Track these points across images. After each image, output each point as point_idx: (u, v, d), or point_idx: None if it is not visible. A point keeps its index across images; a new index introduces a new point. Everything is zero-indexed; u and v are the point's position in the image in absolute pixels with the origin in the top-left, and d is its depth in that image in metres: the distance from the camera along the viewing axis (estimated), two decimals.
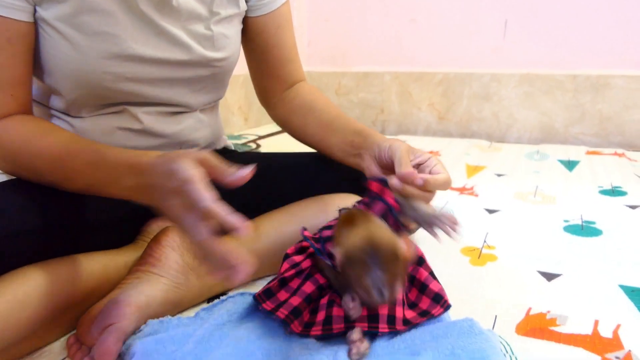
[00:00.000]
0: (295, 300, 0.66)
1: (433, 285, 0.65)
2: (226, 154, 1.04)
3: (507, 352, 0.64)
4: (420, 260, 0.68)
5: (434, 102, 2.17)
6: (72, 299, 0.70)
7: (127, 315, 0.67)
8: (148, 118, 0.85)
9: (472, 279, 0.85)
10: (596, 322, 0.71)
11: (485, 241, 1.01)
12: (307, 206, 0.89)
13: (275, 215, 0.88)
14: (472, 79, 2.10)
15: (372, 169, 0.78)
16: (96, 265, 0.75)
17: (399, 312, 0.63)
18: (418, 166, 0.72)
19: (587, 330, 0.69)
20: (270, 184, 0.94)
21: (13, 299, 0.62)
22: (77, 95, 0.79)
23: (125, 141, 0.86)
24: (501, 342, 0.66)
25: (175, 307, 0.75)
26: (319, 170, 0.95)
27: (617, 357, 0.63)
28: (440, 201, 1.25)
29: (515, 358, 0.62)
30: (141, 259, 0.76)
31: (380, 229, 0.58)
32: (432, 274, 0.68)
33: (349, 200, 0.90)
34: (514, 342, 0.66)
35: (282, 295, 0.68)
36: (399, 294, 0.56)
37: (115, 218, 0.83)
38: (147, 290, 0.72)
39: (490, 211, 1.19)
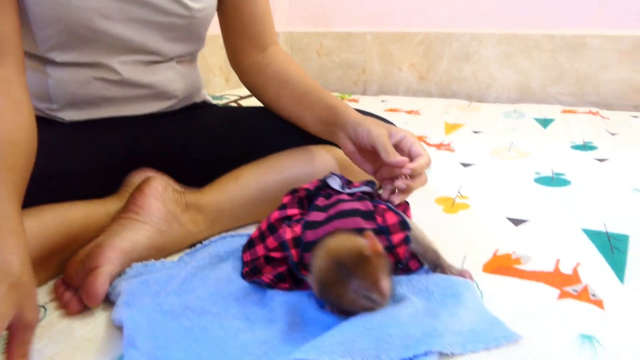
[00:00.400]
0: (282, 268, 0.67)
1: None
2: (205, 107, 1.06)
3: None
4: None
5: (415, 63, 2.18)
6: (55, 245, 0.72)
7: (113, 259, 0.70)
8: (124, 68, 0.86)
9: (444, 225, 0.89)
10: (557, 261, 0.75)
11: (459, 192, 1.05)
12: (288, 157, 0.91)
13: (256, 166, 0.90)
14: (452, 38, 2.11)
15: (348, 147, 0.81)
16: (78, 213, 0.77)
17: None
18: (395, 147, 0.75)
19: (549, 267, 0.74)
20: (251, 136, 0.96)
21: None
22: (52, 31, 0.79)
23: (104, 91, 0.87)
24: None
25: (159, 252, 0.78)
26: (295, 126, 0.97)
27: (574, 290, 0.68)
28: None
29: (481, 293, 0.66)
30: (124, 208, 0.79)
31: (337, 240, 0.57)
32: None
33: (329, 152, 0.93)
34: (480, 279, 0.71)
35: (268, 270, 0.69)
36: (388, 288, 0.57)
37: (97, 168, 0.84)
38: (131, 236, 0.74)
39: (466, 165, 1.23)
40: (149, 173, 0.88)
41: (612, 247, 0.80)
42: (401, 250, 0.63)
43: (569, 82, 1.98)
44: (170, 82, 0.93)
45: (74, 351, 0.59)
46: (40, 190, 0.74)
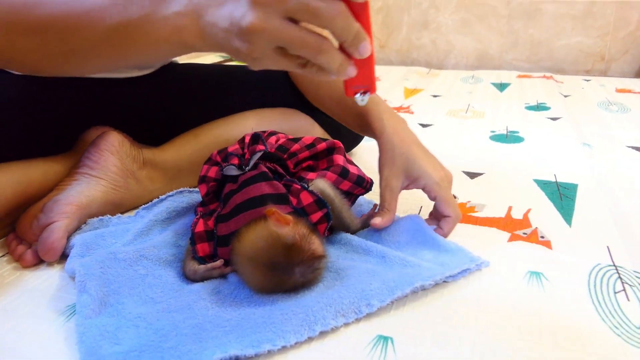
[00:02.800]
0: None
1: (352, 170, 0.69)
2: (171, 68, 1.01)
3: None
4: (331, 149, 0.70)
5: (374, 31, 2.18)
6: (11, 205, 0.69)
7: (69, 214, 0.68)
8: None
9: None
10: (510, 208, 0.78)
11: None
12: (252, 116, 0.90)
13: (216, 124, 0.88)
14: (410, 5, 2.11)
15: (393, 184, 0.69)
16: (36, 172, 0.74)
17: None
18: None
19: (501, 214, 0.76)
20: (216, 95, 0.94)
21: None
22: None
23: None
24: None
25: (116, 208, 0.76)
26: (272, 87, 0.95)
27: (524, 233, 0.70)
28: None
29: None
30: (79, 163, 0.76)
31: (253, 243, 0.54)
32: (347, 159, 0.70)
33: (290, 115, 0.92)
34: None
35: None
36: (321, 244, 0.56)
37: (55, 124, 0.81)
38: (86, 191, 0.72)
39: (424, 125, 1.24)
40: (108, 129, 0.86)
41: (561, 195, 0.83)
42: (321, 228, 0.61)
43: (524, 48, 2.02)
44: None
45: (27, 301, 0.57)
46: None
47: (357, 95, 0.52)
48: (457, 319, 0.53)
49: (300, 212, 0.60)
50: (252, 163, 0.64)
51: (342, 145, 0.71)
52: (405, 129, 0.73)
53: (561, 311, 0.54)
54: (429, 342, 0.49)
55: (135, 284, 0.57)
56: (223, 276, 0.59)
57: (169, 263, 0.62)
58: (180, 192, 0.77)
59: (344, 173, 0.68)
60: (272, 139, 0.69)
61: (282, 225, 0.54)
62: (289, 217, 0.55)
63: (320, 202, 0.61)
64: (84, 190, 0.72)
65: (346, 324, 0.52)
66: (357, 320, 0.52)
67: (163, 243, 0.64)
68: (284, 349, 0.48)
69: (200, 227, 0.61)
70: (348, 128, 0.86)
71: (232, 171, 0.64)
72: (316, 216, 0.61)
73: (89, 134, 0.85)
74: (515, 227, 0.72)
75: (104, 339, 0.48)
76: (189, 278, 0.59)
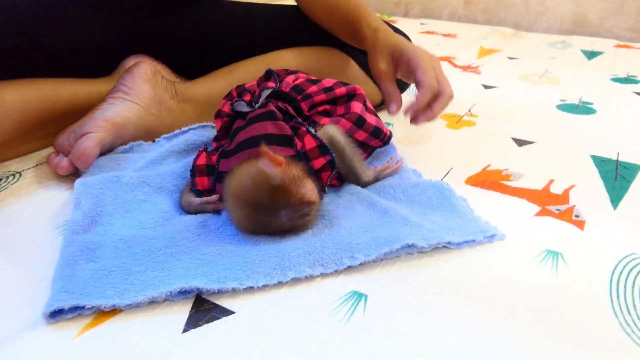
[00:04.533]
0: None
1: (370, 119, 0.64)
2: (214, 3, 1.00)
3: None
4: (351, 96, 0.66)
5: None
6: (37, 119, 0.72)
7: (104, 128, 0.69)
8: None
9: (439, 139, 0.84)
10: (550, 181, 0.70)
11: (469, 110, 0.98)
12: (286, 54, 0.87)
13: (252, 61, 0.86)
14: None
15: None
16: (66, 90, 0.76)
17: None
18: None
19: (538, 186, 0.68)
20: (252, 31, 0.91)
21: None
22: None
23: None
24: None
25: (148, 134, 0.77)
26: (303, 22, 0.91)
27: (557, 209, 0.63)
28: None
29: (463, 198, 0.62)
30: (113, 89, 0.77)
31: (239, 180, 0.52)
32: (366, 107, 0.66)
33: (327, 53, 0.88)
34: (457, 188, 0.66)
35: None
36: (313, 190, 0.53)
37: (94, 47, 0.82)
38: (122, 112, 0.73)
39: (487, 87, 1.14)
40: (143, 59, 0.86)
41: (617, 174, 0.73)
42: (324, 175, 0.58)
43: (629, 15, 1.79)
44: None
45: (33, 212, 0.60)
46: (31, 62, 0.73)
47: None
48: (445, 288, 0.48)
49: (302, 156, 0.57)
50: (261, 100, 0.61)
51: (363, 92, 0.66)
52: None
53: (569, 298, 0.47)
54: (404, 307, 0.46)
55: (131, 208, 0.58)
56: (217, 212, 0.58)
57: (170, 193, 0.61)
58: (204, 126, 0.76)
59: (360, 122, 0.63)
60: (290, 78, 0.66)
61: (273, 166, 0.52)
62: (281, 158, 0.52)
63: (323, 147, 0.57)
64: (119, 110, 0.73)
65: (324, 275, 0.49)
66: (337, 272, 0.49)
67: (169, 173, 0.64)
68: (250, 289, 0.47)
69: (202, 160, 0.60)
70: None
71: (242, 107, 0.62)
72: (319, 162, 0.57)
73: (127, 61, 0.86)
74: (549, 201, 0.64)
75: (82, 255, 0.49)
76: (184, 209, 0.59)
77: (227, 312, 0.44)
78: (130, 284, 0.45)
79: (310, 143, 0.57)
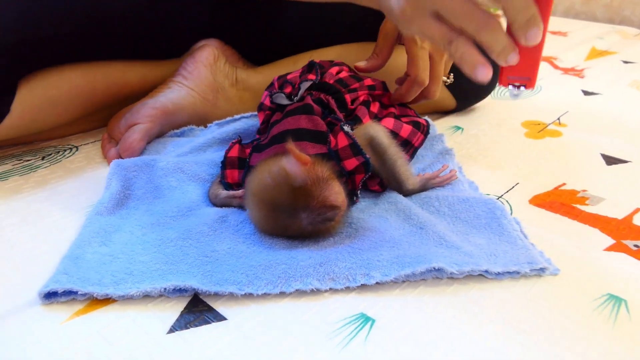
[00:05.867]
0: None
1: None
2: None
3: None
4: (385, 86, 0.63)
5: None
6: (102, 102, 0.74)
7: (152, 117, 0.70)
8: None
9: (513, 148, 0.75)
10: (636, 211, 0.59)
11: (558, 119, 0.87)
12: (353, 47, 0.83)
13: (318, 52, 0.83)
14: None
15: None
16: (134, 73, 0.77)
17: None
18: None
19: (619, 215, 0.58)
20: (325, 22, 0.88)
21: (44, 95, 0.66)
22: None
23: None
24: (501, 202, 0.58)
25: (202, 121, 0.76)
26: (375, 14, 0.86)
27: (635, 246, 0.52)
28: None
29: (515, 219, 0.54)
30: (175, 72, 0.78)
31: (260, 178, 0.48)
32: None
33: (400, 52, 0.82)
34: (518, 208, 0.58)
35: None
36: (340, 193, 0.49)
37: (167, 32, 0.83)
38: (175, 99, 0.74)
39: (587, 93, 1.01)
40: (214, 43, 0.86)
41: None
42: (357, 178, 0.53)
43: None
44: None
45: (76, 187, 0.61)
46: (100, 46, 0.74)
47: (511, 87, 0.48)
48: (469, 323, 0.42)
49: (333, 155, 0.52)
50: (300, 93, 0.57)
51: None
52: None
53: (624, 357, 0.39)
54: (413, 339, 0.40)
55: (160, 194, 0.57)
56: (242, 207, 0.55)
57: (204, 182, 0.60)
58: (256, 115, 0.74)
59: (400, 119, 0.58)
60: (334, 70, 0.62)
61: (297, 164, 0.48)
62: (306, 156, 0.48)
63: (356, 147, 0.52)
64: (173, 97, 0.74)
65: (333, 291, 0.44)
66: (348, 289, 0.45)
67: (208, 161, 0.63)
68: (249, 296, 0.43)
69: (234, 152, 0.57)
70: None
71: (281, 99, 0.58)
72: (351, 163, 0.52)
73: (198, 44, 0.85)
74: (627, 234, 0.54)
75: (97, 237, 0.49)
76: (211, 201, 0.57)
77: (220, 318, 0.42)
78: (129, 274, 0.44)
79: (342, 141, 0.52)
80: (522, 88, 0.48)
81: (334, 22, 0.85)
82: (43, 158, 0.68)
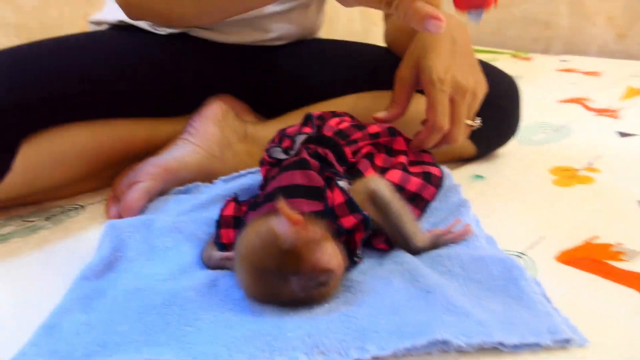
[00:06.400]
0: None
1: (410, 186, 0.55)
2: (309, 42, 0.96)
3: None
4: (392, 131, 0.58)
5: (613, 16, 1.77)
6: (109, 159, 0.73)
7: (154, 176, 0.69)
8: None
9: (540, 197, 0.69)
10: None
11: (590, 163, 0.80)
12: (366, 97, 0.80)
13: (327, 104, 0.81)
14: None
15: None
16: (142, 131, 0.76)
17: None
18: None
19: None
20: (335, 73, 0.86)
21: (47, 152, 0.66)
22: None
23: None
24: (520, 259, 0.53)
25: (207, 177, 0.74)
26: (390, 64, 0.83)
27: None
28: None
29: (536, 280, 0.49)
30: (183, 129, 0.77)
31: (248, 240, 0.45)
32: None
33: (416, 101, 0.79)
34: (543, 266, 0.52)
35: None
36: (334, 256, 0.45)
37: (178, 88, 0.82)
38: (180, 157, 0.72)
39: (624, 134, 0.94)
40: (225, 98, 0.85)
41: None
42: (357, 237, 0.49)
43: None
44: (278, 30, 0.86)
45: (76, 248, 0.59)
46: (109, 105, 0.74)
47: (470, 13, 0.47)
48: None
49: (330, 213, 0.48)
50: (296, 147, 0.54)
51: (405, 137, 0.57)
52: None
53: None
54: None
55: (154, 255, 0.54)
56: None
57: (201, 241, 0.57)
58: None
59: (408, 169, 0.54)
60: (333, 121, 0.59)
61: (287, 224, 0.44)
62: (298, 216, 0.45)
63: (351, 204, 0.48)
64: (177, 154, 0.73)
65: None
66: None
67: (206, 219, 0.60)
68: None
69: (229, 210, 0.54)
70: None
71: (278, 154, 0.56)
72: (348, 221, 0.49)
73: (209, 101, 0.85)
74: None
75: (79, 304, 0.46)
76: (204, 263, 0.53)
77: None
78: (102, 346, 0.40)
79: (338, 198, 0.49)
80: (481, 10, 0.47)
81: (347, 71, 0.83)
82: (47, 219, 0.67)
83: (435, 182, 0.57)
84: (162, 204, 0.67)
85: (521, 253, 0.55)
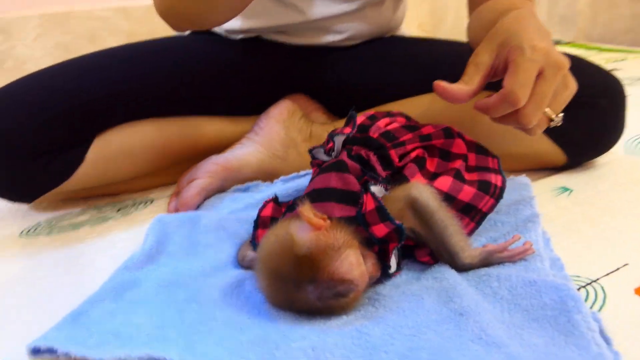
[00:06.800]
0: None
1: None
2: (388, 40, 0.92)
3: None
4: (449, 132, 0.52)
5: None
6: (179, 156, 0.76)
7: (212, 173, 0.70)
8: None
9: (635, 219, 0.59)
10: None
11: None
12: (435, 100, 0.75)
13: (400, 104, 0.77)
14: None
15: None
16: (211, 128, 0.79)
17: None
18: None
19: None
20: (416, 72, 0.81)
21: (117, 146, 0.70)
22: None
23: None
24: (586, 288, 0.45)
25: (269, 176, 0.74)
26: None
27: None
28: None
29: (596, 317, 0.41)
30: (251, 128, 0.78)
31: (268, 243, 0.44)
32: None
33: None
34: (617, 300, 0.44)
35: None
36: (356, 266, 0.42)
37: (250, 90, 0.84)
38: (242, 155, 0.73)
39: None
40: (297, 98, 0.85)
41: None
42: (391, 247, 0.45)
43: None
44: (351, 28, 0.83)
45: (134, 239, 0.61)
46: (179, 104, 0.77)
47: None
48: None
49: (361, 220, 0.45)
50: (336, 148, 0.52)
51: (473, 140, 0.51)
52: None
53: None
54: None
55: (194, 251, 0.55)
56: None
57: (243, 240, 0.56)
58: None
59: (462, 176, 0.48)
60: (383, 122, 0.55)
61: (307, 229, 0.42)
62: (321, 221, 0.42)
63: (382, 211, 0.44)
64: (239, 153, 0.74)
65: None
66: None
67: (252, 219, 0.59)
68: None
69: (267, 211, 0.53)
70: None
71: (320, 155, 0.54)
72: (379, 229, 0.45)
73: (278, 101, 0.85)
74: None
75: (112, 293, 0.48)
76: (238, 262, 0.53)
77: None
78: (116, 336, 0.41)
79: (370, 204, 0.45)
80: None
81: (424, 70, 0.78)
82: (118, 210, 0.72)
83: (493, 192, 0.51)
84: (218, 201, 0.68)
85: (593, 280, 0.47)
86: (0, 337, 0.46)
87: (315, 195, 0.48)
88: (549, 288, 0.42)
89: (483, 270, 0.47)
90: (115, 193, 0.76)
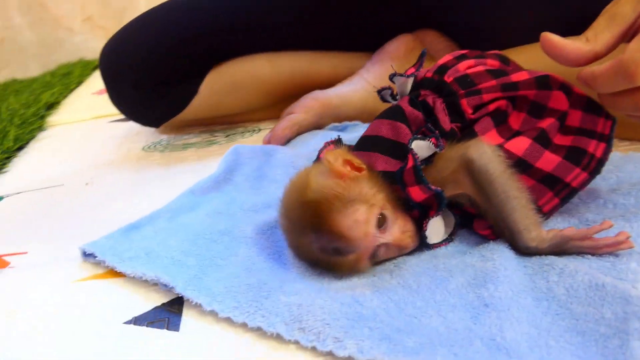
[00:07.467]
0: None
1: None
2: None
3: None
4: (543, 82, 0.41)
5: None
6: (290, 90, 0.75)
7: (308, 109, 0.69)
8: None
9: None
10: None
11: None
12: None
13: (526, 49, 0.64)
14: None
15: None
16: (324, 64, 0.76)
17: None
18: None
19: None
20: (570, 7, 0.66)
21: (229, 79, 0.72)
22: None
23: None
24: None
25: (372, 116, 0.70)
26: None
27: None
28: None
29: None
30: (365, 64, 0.74)
31: (289, 184, 0.41)
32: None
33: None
34: None
35: None
36: (364, 235, 0.37)
37: (368, 24, 0.77)
38: (344, 93, 0.70)
39: None
40: (425, 34, 0.76)
41: None
42: (430, 214, 0.39)
43: None
44: None
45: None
46: (294, 36, 0.75)
47: None
48: None
49: (398, 179, 0.39)
50: (399, 91, 0.45)
51: (583, 94, 0.39)
52: None
53: None
54: None
55: (258, 184, 0.55)
56: None
57: None
58: None
59: (546, 140, 0.39)
60: (464, 64, 0.45)
61: (325, 175, 0.39)
62: (341, 168, 0.38)
63: (417, 172, 0.38)
64: (343, 90, 0.71)
65: (299, 345, 0.34)
66: (315, 352, 0.33)
67: None
68: (214, 314, 0.37)
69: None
70: None
71: (387, 97, 0.48)
72: (415, 192, 0.39)
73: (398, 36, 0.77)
74: None
75: (170, 213, 0.51)
76: None
77: (175, 327, 0.37)
78: (147, 254, 0.44)
79: (410, 162, 0.39)
80: None
81: (551, 15, 0.63)
82: (227, 136, 0.75)
83: (587, 164, 0.39)
84: (310, 137, 0.66)
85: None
86: None
87: (363, 143, 0.43)
88: (616, 299, 0.32)
89: (549, 259, 0.37)
90: (231, 123, 0.80)
